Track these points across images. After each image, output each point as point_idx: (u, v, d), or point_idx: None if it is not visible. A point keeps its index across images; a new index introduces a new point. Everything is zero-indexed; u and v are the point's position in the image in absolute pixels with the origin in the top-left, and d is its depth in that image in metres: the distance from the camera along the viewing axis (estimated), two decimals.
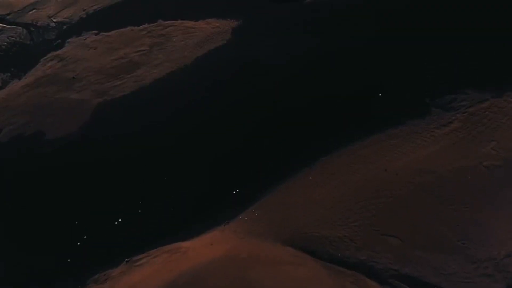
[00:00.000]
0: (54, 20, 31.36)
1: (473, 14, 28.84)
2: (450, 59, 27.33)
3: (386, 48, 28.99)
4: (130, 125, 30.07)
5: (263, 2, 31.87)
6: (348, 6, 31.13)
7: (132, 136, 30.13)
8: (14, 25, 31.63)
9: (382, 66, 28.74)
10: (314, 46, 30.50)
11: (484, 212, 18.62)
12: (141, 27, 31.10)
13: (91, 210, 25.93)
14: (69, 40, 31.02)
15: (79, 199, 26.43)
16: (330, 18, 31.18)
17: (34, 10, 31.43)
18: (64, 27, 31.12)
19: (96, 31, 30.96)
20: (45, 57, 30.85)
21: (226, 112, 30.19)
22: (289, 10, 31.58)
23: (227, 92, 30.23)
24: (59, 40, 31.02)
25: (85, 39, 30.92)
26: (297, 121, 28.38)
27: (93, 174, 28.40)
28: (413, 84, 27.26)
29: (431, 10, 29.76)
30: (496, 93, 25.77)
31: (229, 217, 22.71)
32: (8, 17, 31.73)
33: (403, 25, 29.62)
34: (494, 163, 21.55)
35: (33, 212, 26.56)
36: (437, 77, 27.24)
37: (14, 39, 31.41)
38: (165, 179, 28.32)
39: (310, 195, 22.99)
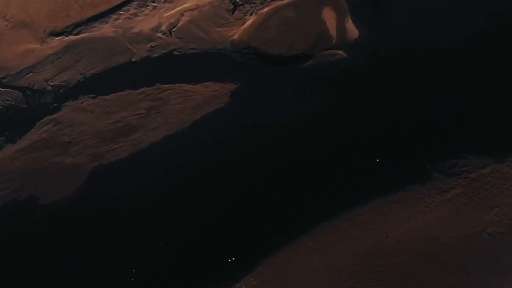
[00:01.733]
0: (51, 84, 32.21)
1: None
2: (450, 122, 28.17)
3: (385, 112, 29.87)
4: (126, 187, 30.71)
5: (262, 65, 32.88)
6: (343, 71, 32.23)
7: (127, 197, 30.74)
8: (10, 88, 32.37)
9: (380, 130, 29.53)
10: (312, 108, 31.41)
11: (488, 281, 18.78)
12: (139, 90, 31.93)
13: (83, 275, 26.22)
14: (65, 103, 31.77)
15: (72, 264, 26.69)
16: (328, 82, 32.15)
17: (31, 73, 32.30)
18: (61, 90, 31.91)
19: (93, 95, 31.78)
20: (40, 121, 31.53)
21: (224, 175, 30.77)
22: (288, 73, 32.54)
23: (225, 155, 30.90)
24: (55, 104, 31.75)
25: (82, 102, 31.70)
26: (295, 185, 28.90)
27: (88, 238, 28.85)
28: (413, 148, 27.97)
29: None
30: (497, 158, 26.36)
31: (226, 287, 22.82)
32: (4, 80, 32.56)
33: (402, 91, 30.61)
34: (498, 230, 21.83)
35: (27, 276, 26.84)
36: (437, 140, 28.01)
37: (9, 102, 32.14)
38: (160, 245, 28.66)
39: (310, 262, 23.13)
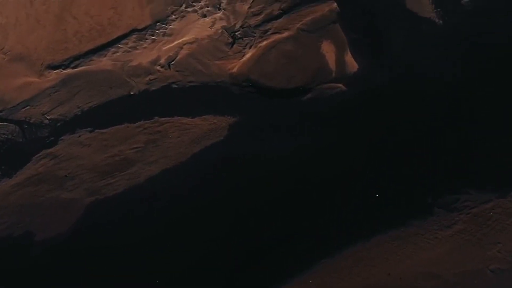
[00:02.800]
0: (48, 117, 32.46)
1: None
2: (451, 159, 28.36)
3: (385, 146, 30.09)
4: (123, 221, 30.77)
5: (261, 98, 33.19)
6: (343, 104, 32.56)
7: (123, 231, 30.79)
8: (7, 122, 32.56)
9: (380, 164, 29.70)
10: (311, 142, 31.66)
11: None
12: (137, 124, 32.20)
13: None
14: (62, 137, 31.98)
15: None
16: (328, 115, 32.44)
17: (28, 107, 32.55)
18: (58, 124, 32.15)
19: (90, 128, 32.01)
20: (37, 155, 31.71)
21: (222, 208, 30.90)
22: (287, 106, 32.85)
23: (224, 188, 31.04)
24: (52, 137, 31.95)
25: (79, 136, 31.93)
26: (294, 221, 28.96)
27: (84, 271, 28.90)
28: (413, 183, 28.08)
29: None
30: (499, 193, 26.49)
31: None
32: (0, 113, 32.75)
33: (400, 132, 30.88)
34: (501, 267, 21.88)
35: None
36: (438, 174, 28.14)
37: (6, 136, 32.34)
38: (157, 282, 28.63)
39: None
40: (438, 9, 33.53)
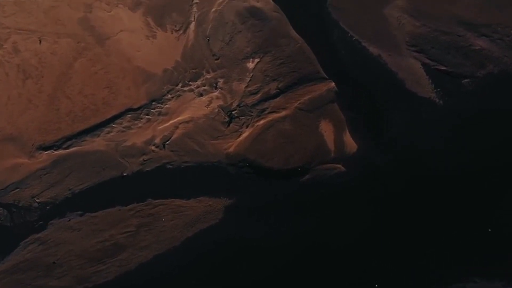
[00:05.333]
0: (38, 200, 32.31)
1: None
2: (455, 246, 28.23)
3: (386, 234, 29.98)
4: None
5: (258, 179, 33.27)
6: (343, 186, 32.64)
7: None
8: None
9: (380, 252, 29.50)
10: (310, 226, 31.52)
11: None
12: (129, 206, 31.96)
13: None
14: (52, 221, 31.66)
15: None
16: (327, 198, 32.46)
17: (17, 189, 32.42)
18: (48, 207, 31.93)
19: (81, 212, 31.74)
20: (25, 240, 31.28)
21: None
22: (285, 188, 32.90)
23: (218, 276, 30.69)
24: (41, 222, 31.64)
25: (69, 220, 31.61)
26: None
27: None
28: (417, 271, 27.83)
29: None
30: (506, 281, 26.28)
31: None
32: None
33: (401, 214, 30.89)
34: None
35: None
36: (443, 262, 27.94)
37: None
38: None
39: None
40: (438, 89, 34.09)
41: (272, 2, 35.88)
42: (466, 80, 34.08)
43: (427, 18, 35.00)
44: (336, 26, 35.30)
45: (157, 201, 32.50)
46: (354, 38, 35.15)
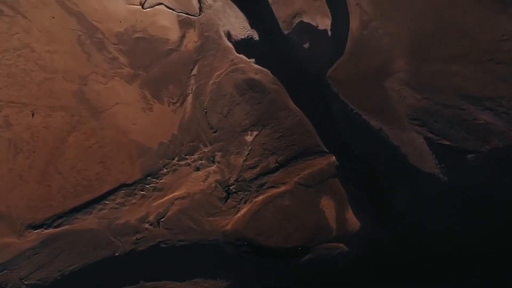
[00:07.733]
0: (26, 283, 31.18)
1: None
2: None
3: None
4: None
5: (257, 259, 32.48)
6: (345, 266, 31.85)
7: None
8: None
9: None
10: None
11: None
12: None
13: None
14: None
15: None
16: (330, 279, 31.65)
17: (5, 271, 31.31)
18: None
19: None
20: None
21: None
22: (285, 268, 32.11)
23: None
24: None
25: None
26: None
27: None
28: None
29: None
30: None
31: None
32: None
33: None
34: None
35: None
36: None
37: None
38: None
39: None
40: (442, 165, 33.56)
41: (271, 74, 35.49)
42: (470, 155, 33.47)
43: (429, 91, 34.55)
44: (336, 98, 34.90)
45: (150, 283, 31.58)
46: (354, 111, 34.74)
